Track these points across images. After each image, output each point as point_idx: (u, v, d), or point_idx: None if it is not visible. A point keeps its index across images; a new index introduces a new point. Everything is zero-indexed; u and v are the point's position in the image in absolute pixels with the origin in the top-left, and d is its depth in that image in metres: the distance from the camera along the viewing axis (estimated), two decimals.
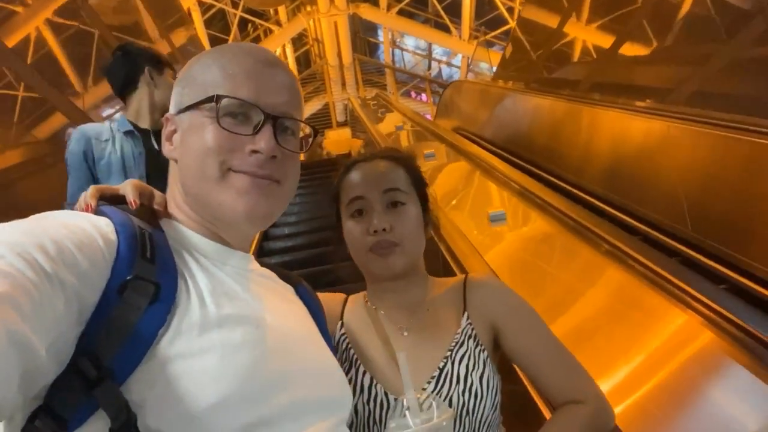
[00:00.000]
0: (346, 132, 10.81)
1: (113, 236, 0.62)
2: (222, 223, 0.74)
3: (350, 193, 1.02)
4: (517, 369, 1.05)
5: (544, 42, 5.77)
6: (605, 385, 1.13)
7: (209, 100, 0.71)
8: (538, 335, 1.00)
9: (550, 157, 4.12)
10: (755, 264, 2.06)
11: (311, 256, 3.77)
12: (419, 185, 1.07)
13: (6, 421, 0.53)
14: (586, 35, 4.84)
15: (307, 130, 0.81)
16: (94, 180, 2.08)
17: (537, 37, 6.06)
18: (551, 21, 5.65)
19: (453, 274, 1.65)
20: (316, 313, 0.87)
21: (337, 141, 10.43)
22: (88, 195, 0.72)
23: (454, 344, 0.97)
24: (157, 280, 0.61)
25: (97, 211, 0.69)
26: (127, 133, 2.17)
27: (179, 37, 9.25)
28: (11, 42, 4.44)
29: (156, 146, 2.17)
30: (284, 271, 0.89)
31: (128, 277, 0.59)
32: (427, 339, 0.99)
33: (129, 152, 2.15)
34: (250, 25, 16.29)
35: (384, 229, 0.97)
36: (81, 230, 0.59)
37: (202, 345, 0.61)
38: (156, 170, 2.12)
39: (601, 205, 3.13)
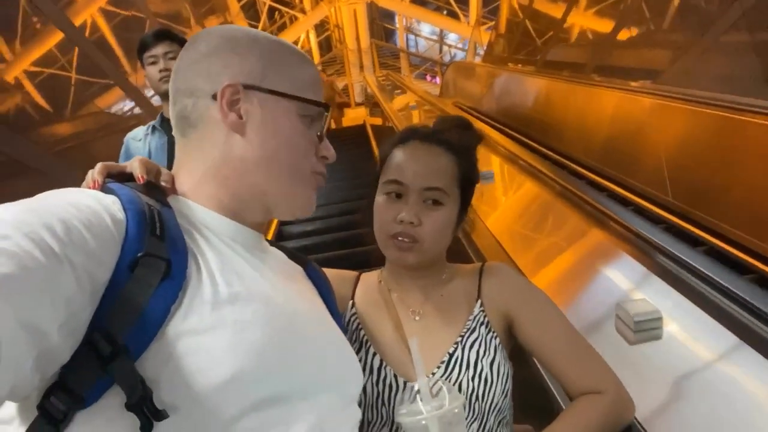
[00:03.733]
0: (363, 111, 12.13)
1: (121, 214, 0.61)
2: (266, 209, 0.76)
3: (393, 173, 0.99)
4: (535, 359, 1.06)
5: (520, 27, 6.85)
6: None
7: (318, 104, 0.75)
8: (553, 325, 0.98)
9: (527, 123, 4.95)
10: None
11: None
12: (466, 182, 1.03)
13: (21, 400, 0.54)
14: (556, 16, 5.89)
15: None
16: None
17: (518, 24, 7.13)
18: (531, 7, 6.68)
19: None
20: (326, 294, 0.87)
21: (354, 118, 11.86)
22: (96, 171, 0.70)
23: (465, 330, 0.97)
24: (168, 257, 0.60)
25: (104, 188, 0.67)
26: (153, 128, 2.37)
27: (213, 24, 10.38)
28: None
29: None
30: (293, 251, 0.90)
31: (139, 254, 0.58)
32: (438, 324, 0.99)
33: (155, 145, 2.33)
34: (277, 12, 17.52)
35: (411, 223, 0.95)
36: (89, 209, 0.58)
37: (213, 322, 0.60)
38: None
39: (565, 162, 3.49)
